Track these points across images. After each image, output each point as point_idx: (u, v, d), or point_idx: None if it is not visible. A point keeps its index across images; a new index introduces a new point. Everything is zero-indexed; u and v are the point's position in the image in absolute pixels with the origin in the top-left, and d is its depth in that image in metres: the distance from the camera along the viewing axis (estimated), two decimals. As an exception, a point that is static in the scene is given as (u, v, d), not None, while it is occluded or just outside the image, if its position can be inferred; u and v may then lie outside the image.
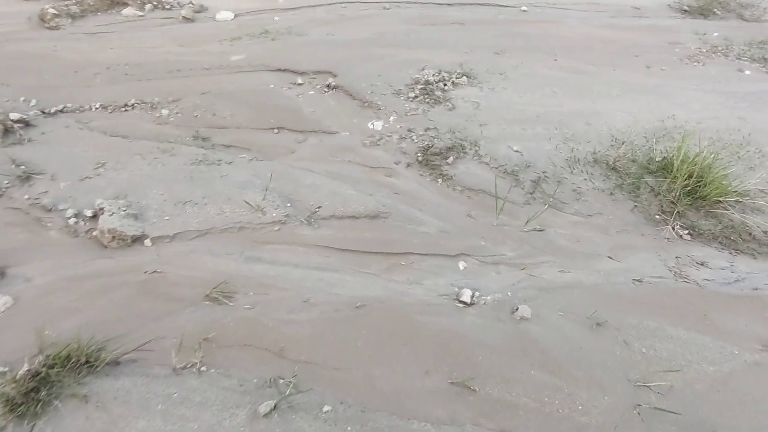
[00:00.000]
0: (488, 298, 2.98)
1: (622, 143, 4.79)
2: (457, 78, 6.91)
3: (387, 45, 8.32)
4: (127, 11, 9.59)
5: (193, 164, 4.27)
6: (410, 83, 6.78)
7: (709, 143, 5.21)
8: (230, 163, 4.71)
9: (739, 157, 4.75)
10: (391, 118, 6.00)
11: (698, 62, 7.36)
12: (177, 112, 5.67)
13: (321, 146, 5.56)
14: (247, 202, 3.64)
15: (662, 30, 9.06)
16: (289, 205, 3.82)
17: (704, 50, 7.79)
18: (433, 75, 6.93)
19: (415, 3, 10.75)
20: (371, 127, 5.91)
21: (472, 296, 2.89)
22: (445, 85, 6.72)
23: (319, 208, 3.80)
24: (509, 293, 3.06)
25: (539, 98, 6.39)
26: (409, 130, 5.72)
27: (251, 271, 3.02)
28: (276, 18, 9.85)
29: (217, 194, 3.81)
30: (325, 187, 4.52)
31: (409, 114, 6.02)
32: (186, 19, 9.78)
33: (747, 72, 7.09)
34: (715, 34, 8.64)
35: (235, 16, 10.09)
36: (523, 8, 10.27)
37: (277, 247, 3.31)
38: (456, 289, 3.03)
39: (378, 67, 7.33)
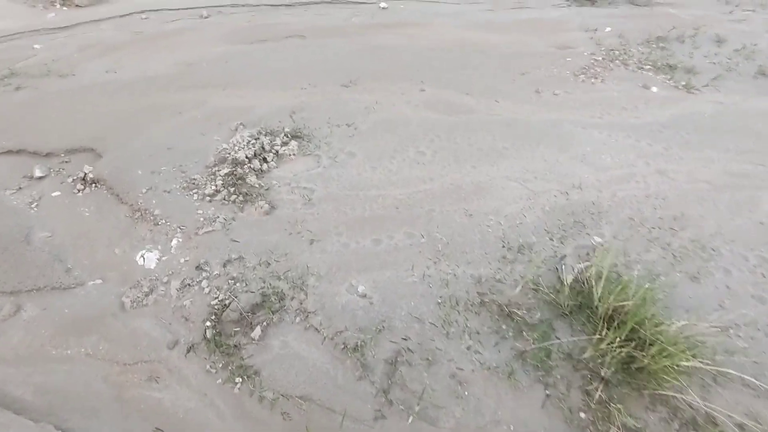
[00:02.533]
0: None
1: (517, 252, 3.28)
2: (283, 143, 4.99)
3: (192, 84, 6.16)
4: None
5: None
6: (213, 162, 4.75)
7: (630, 230, 3.85)
8: None
9: (675, 258, 3.43)
10: (174, 242, 3.97)
11: (596, 77, 6.09)
12: None
13: (45, 320, 3.45)
14: None
15: (548, 27, 7.76)
16: None
17: (600, 58, 6.56)
18: (249, 143, 4.95)
19: (244, 6, 8.54)
20: (141, 263, 3.85)
21: None
22: (265, 160, 4.78)
23: None
24: None
25: (400, 169, 4.69)
26: (199, 268, 3.75)
27: None
28: (36, 46, 7.18)
29: None
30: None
31: (202, 231, 4.03)
32: None
33: (654, 89, 5.93)
34: (608, 29, 7.50)
35: (-30, 48, 7.19)
36: (383, 5, 8.50)
37: None
38: None
39: (169, 132, 5.19)
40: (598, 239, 3.87)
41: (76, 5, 8.29)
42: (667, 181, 4.49)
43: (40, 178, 4.74)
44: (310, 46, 7.11)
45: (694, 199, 4.26)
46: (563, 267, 3.56)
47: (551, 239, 3.87)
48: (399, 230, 3.97)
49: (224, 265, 3.74)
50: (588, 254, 3.71)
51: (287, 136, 5.10)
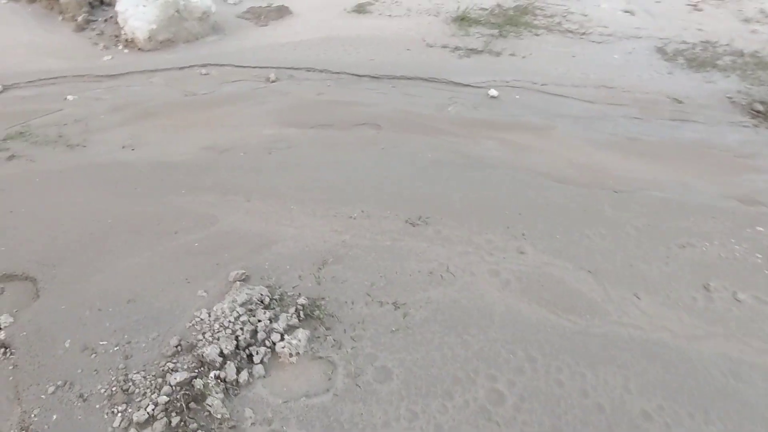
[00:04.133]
0: None
1: None
2: (288, 329, 3.38)
3: (212, 184, 4.85)
4: None
5: None
6: (174, 350, 3.24)
7: None
8: None
9: None
10: None
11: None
12: None
13: None
14: None
15: (723, 160, 5.60)
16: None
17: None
18: (239, 318, 3.40)
19: (322, 72, 7.24)
20: None
21: None
22: (250, 359, 3.20)
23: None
24: None
25: (455, 428, 2.83)
26: None
27: None
28: (69, 97, 6.28)
29: None
30: None
31: None
32: None
33: None
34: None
35: (3, 89, 6.46)
36: (492, 92, 6.77)
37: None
38: None
39: (144, 269, 3.82)
40: None
41: (139, 49, 7.44)
42: None
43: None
44: (381, 144, 5.52)
45: None
46: None
47: None
48: None
49: None
50: None
51: (299, 314, 3.45)
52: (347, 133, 5.83)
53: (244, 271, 3.81)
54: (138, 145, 5.47)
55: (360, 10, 9.67)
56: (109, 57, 7.50)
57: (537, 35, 8.74)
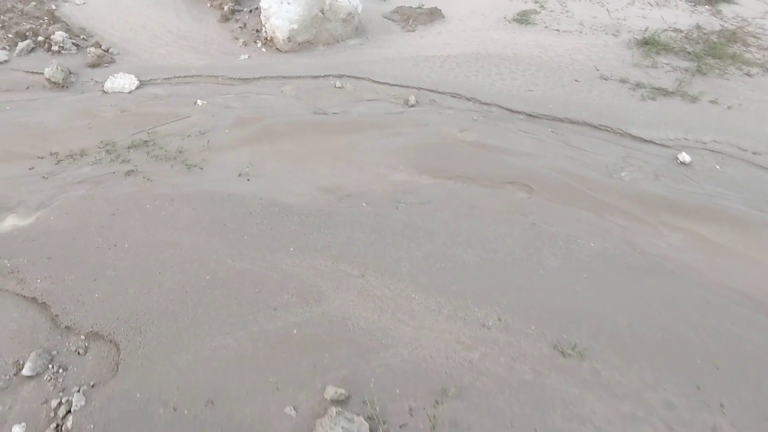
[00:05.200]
0: None
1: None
2: None
3: (324, 245, 4.24)
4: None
5: None
6: None
7: None
8: None
9: None
10: None
11: None
12: None
13: None
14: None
15: None
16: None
17: None
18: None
19: (470, 100, 6.38)
20: None
21: None
22: None
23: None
24: None
25: None
26: None
27: None
28: (199, 102, 6.08)
29: None
30: None
31: None
32: (54, 84, 6.31)
33: None
34: None
35: (140, 85, 6.42)
36: (683, 157, 5.43)
37: None
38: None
39: (236, 357, 3.31)
40: None
41: (276, 49, 7.09)
42: None
43: (28, 378, 3.21)
44: (532, 216, 4.57)
45: None
46: None
47: None
48: None
49: None
50: None
51: (400, 481, 2.70)
52: (491, 194, 4.91)
53: (343, 391, 3.14)
54: (255, 174, 5.04)
55: (522, 19, 8.52)
56: (246, 56, 7.24)
57: (750, 75, 6.98)
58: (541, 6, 9.04)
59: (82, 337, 3.48)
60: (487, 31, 8.20)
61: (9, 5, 7.48)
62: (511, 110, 6.23)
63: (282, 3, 7.19)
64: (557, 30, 8.22)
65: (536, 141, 5.71)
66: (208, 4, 8.67)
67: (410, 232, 4.42)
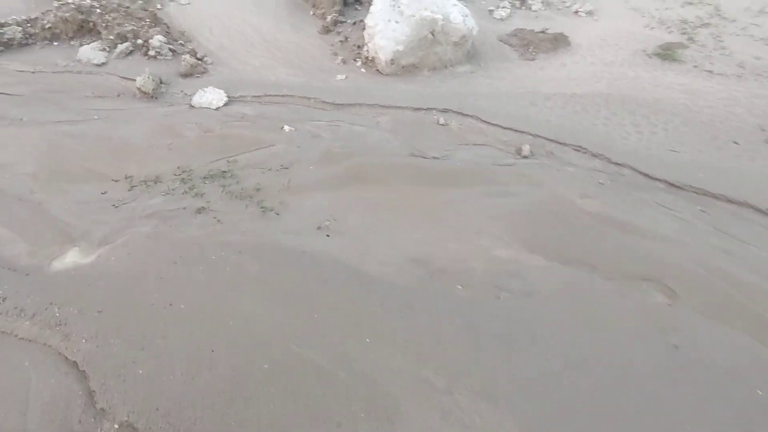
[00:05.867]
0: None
1: None
2: None
3: (407, 338, 3.58)
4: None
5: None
6: None
7: None
8: None
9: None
10: None
11: None
12: None
13: None
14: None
15: None
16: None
17: None
18: None
19: (597, 157, 5.44)
20: None
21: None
22: None
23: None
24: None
25: None
26: None
27: None
28: (285, 128, 5.62)
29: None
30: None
31: None
32: (144, 94, 6.10)
33: None
34: None
35: (228, 101, 6.07)
36: None
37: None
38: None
39: None
40: None
41: (377, 70, 6.49)
42: None
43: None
44: (674, 334, 3.66)
45: None
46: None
47: None
48: None
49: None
50: None
51: None
52: (619, 292, 3.98)
53: None
54: (336, 229, 4.43)
55: (666, 54, 7.31)
56: (343, 77, 6.70)
57: None
58: (690, 39, 7.74)
59: (116, 426, 3.03)
60: (621, 67, 7.09)
61: (116, 4, 7.45)
62: (648, 176, 5.19)
63: (389, 21, 6.55)
64: (709, 71, 6.95)
65: (680, 222, 4.65)
66: (311, 12, 8.24)
67: (512, 336, 3.60)
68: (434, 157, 5.44)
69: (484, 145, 5.65)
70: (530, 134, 5.74)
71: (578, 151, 5.54)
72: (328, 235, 4.42)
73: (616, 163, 5.36)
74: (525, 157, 5.46)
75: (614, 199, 4.92)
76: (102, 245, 4.22)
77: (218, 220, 4.49)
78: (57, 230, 4.32)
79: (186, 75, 6.59)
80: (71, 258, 4.08)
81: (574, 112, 6.11)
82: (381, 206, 4.73)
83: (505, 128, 5.86)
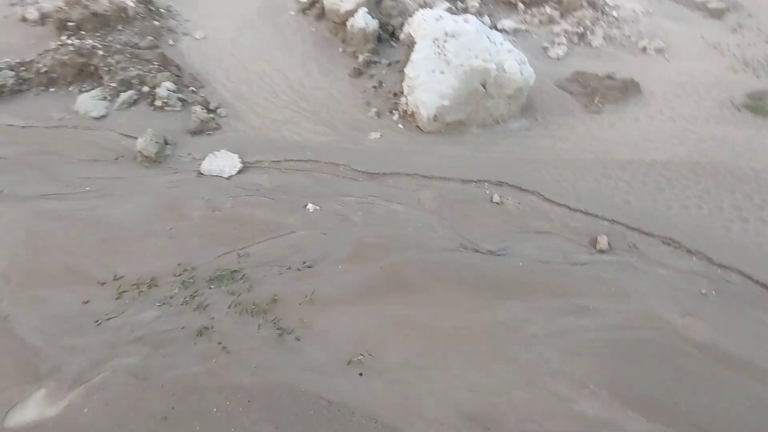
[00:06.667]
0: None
1: None
2: None
3: None
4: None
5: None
6: None
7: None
8: None
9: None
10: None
11: None
12: None
13: None
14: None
15: None
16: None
17: None
18: None
19: (692, 255, 4.41)
20: None
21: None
22: None
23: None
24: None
25: None
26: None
27: None
28: (310, 207, 4.76)
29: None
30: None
31: None
32: (146, 158, 5.31)
33: None
34: None
35: (243, 168, 5.24)
36: None
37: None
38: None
39: None
40: None
41: (417, 126, 5.60)
42: None
43: None
44: None
45: None
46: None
47: None
48: None
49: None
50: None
51: None
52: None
53: None
54: (370, 366, 3.56)
55: (757, 106, 6.25)
56: (378, 135, 5.82)
57: None
58: (783, 86, 6.65)
59: None
60: (706, 123, 6.05)
61: (121, 44, 6.69)
62: (765, 285, 4.15)
63: (433, 72, 5.64)
64: (815, 131, 5.86)
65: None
66: (341, 50, 7.38)
67: None
68: (489, 251, 4.49)
69: (549, 233, 4.69)
70: (606, 219, 4.76)
71: (668, 245, 4.53)
72: (361, 374, 3.51)
73: (720, 265, 4.34)
74: (602, 251, 4.48)
75: (723, 319, 3.91)
76: (75, 386, 3.38)
77: (224, 348, 3.62)
78: (22, 361, 3.50)
79: (196, 132, 5.78)
80: (33, 408, 3.26)
81: (657, 189, 5.10)
82: (427, 331, 3.80)
83: (573, 210, 4.89)
